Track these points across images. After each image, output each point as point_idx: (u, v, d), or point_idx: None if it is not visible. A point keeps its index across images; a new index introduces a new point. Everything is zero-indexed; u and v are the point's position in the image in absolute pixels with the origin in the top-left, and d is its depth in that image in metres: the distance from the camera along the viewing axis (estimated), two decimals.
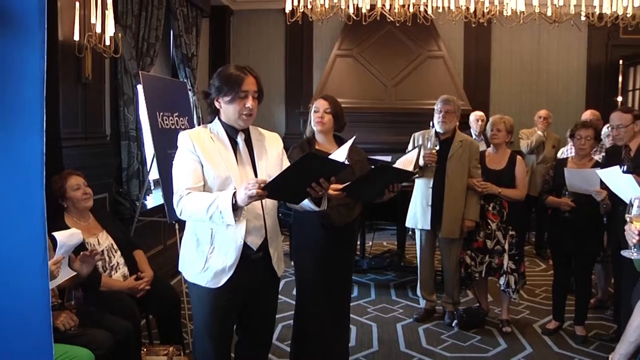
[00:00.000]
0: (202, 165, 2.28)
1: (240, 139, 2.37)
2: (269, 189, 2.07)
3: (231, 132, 2.37)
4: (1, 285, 1.30)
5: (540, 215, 6.04)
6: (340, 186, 2.60)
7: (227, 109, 2.33)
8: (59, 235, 2.46)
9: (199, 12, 7.09)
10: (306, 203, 2.30)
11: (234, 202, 2.09)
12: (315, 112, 3.10)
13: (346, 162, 2.23)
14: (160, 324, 3.48)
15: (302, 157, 2.09)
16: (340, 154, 2.33)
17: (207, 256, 2.31)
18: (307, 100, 8.00)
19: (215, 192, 2.23)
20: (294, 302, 3.28)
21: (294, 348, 3.25)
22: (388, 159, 5.06)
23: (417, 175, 4.05)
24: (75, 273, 2.62)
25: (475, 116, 6.12)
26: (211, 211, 2.13)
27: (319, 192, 2.19)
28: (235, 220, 2.12)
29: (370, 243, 6.17)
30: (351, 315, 4.31)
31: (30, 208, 1.30)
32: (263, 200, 2.30)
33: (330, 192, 2.40)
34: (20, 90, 1.30)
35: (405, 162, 3.11)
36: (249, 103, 2.29)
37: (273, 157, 2.47)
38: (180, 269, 2.50)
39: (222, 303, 2.37)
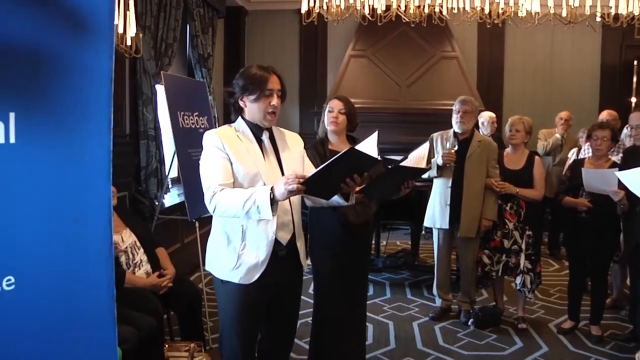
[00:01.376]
0: (231, 163, 2.31)
1: (265, 136, 2.41)
2: (308, 184, 2.11)
3: (256, 130, 2.41)
4: (71, 278, 1.35)
5: (554, 215, 6.05)
6: (358, 188, 2.66)
7: (252, 108, 2.36)
8: None
9: (214, 12, 7.16)
10: (335, 198, 2.34)
11: (271, 196, 2.11)
12: (329, 112, 3.12)
13: (379, 159, 2.26)
14: (181, 320, 3.52)
15: (344, 152, 2.13)
16: (371, 149, 2.35)
17: (239, 253, 2.33)
18: (321, 100, 8.05)
19: (250, 188, 2.25)
20: (311, 301, 3.32)
21: (312, 345, 3.28)
22: (399, 158, 5.10)
23: (435, 175, 4.09)
24: None
25: (489, 117, 6.01)
26: (248, 206, 2.14)
27: (351, 187, 2.26)
28: (272, 215, 2.15)
29: (385, 242, 6.20)
30: (367, 314, 4.35)
31: (99, 203, 1.35)
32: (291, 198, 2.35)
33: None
34: (91, 90, 1.35)
35: (417, 159, 3.16)
36: (274, 101, 2.34)
37: (295, 155, 2.52)
38: (208, 267, 2.50)
39: (252, 300, 2.38)
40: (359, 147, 2.35)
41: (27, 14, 1.26)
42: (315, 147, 3.12)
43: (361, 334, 3.34)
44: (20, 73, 1.26)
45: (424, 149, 3.16)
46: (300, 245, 2.49)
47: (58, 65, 1.30)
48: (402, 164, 3.14)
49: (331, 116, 3.11)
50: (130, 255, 3.33)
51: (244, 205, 2.16)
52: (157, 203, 4.89)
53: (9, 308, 1.24)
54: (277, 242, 2.36)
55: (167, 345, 3.24)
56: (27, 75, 1.27)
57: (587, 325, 4.07)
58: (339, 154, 2.14)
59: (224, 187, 2.26)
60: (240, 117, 2.44)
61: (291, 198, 2.34)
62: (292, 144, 2.55)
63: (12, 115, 1.26)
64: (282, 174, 2.40)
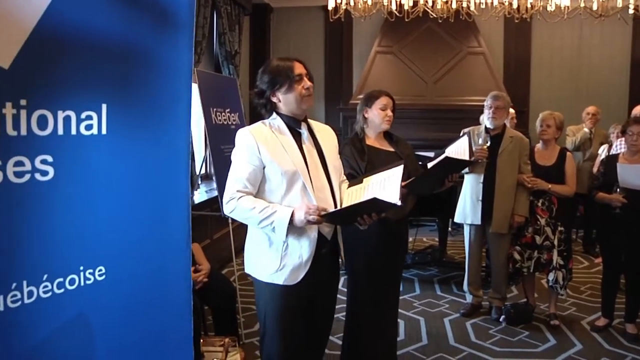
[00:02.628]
0: (266, 166, 2.26)
1: (304, 129, 2.36)
2: (327, 217, 2.20)
3: (293, 124, 2.35)
4: (156, 267, 1.39)
5: (589, 211, 5.98)
6: (402, 183, 2.66)
7: (287, 98, 2.30)
8: None
9: (241, 10, 7.21)
10: None
11: (290, 220, 2.17)
12: (382, 109, 3.03)
13: (399, 203, 2.23)
14: (215, 315, 3.56)
15: (368, 200, 2.20)
16: (393, 194, 2.28)
17: (282, 254, 2.28)
18: (347, 96, 8.05)
19: (273, 204, 2.24)
20: (344, 297, 3.32)
21: (345, 341, 3.28)
22: (431, 155, 5.08)
23: (467, 171, 4.08)
24: None
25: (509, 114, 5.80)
26: (264, 224, 2.20)
27: (367, 223, 2.30)
28: (285, 236, 2.20)
29: (412, 239, 6.20)
30: (398, 310, 4.38)
31: (180, 193, 1.39)
32: (335, 190, 2.37)
33: None
34: (174, 84, 1.39)
35: (459, 153, 3.14)
36: (307, 84, 2.30)
37: (333, 149, 2.49)
38: (248, 270, 2.43)
39: (295, 300, 2.34)
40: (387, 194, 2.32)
41: (117, 12, 1.30)
42: (353, 144, 3.07)
43: (393, 330, 3.33)
44: (111, 66, 1.31)
45: (464, 142, 3.11)
46: (341, 241, 2.46)
47: (145, 60, 1.34)
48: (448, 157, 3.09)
49: (386, 115, 3.03)
50: None
51: (261, 222, 2.20)
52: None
53: (101, 297, 1.28)
54: (320, 238, 2.32)
55: (202, 340, 3.27)
56: (118, 68, 1.31)
57: (622, 323, 4.02)
58: (363, 201, 2.24)
59: (243, 195, 2.24)
60: (275, 113, 2.37)
61: (335, 192, 2.37)
62: (329, 137, 2.51)
63: (104, 107, 1.30)
64: (326, 170, 2.38)
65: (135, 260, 1.35)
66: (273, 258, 2.30)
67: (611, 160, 4.03)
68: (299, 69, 2.30)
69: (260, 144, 2.25)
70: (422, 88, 7.73)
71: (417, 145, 6.38)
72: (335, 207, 2.37)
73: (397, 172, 2.34)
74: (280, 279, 2.29)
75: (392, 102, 3.09)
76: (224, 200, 2.29)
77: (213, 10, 6.23)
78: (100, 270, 1.28)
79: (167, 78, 1.38)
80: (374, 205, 2.21)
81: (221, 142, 4.02)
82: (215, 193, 4.42)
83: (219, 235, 5.74)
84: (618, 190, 3.84)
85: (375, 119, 3.06)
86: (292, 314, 2.37)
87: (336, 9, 5.62)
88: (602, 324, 4.06)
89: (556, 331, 4.03)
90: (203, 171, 5.51)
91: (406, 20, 5.65)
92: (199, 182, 5.82)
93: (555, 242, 4.03)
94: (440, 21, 5.90)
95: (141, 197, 1.36)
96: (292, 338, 2.42)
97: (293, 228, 2.23)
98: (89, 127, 1.30)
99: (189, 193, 1.42)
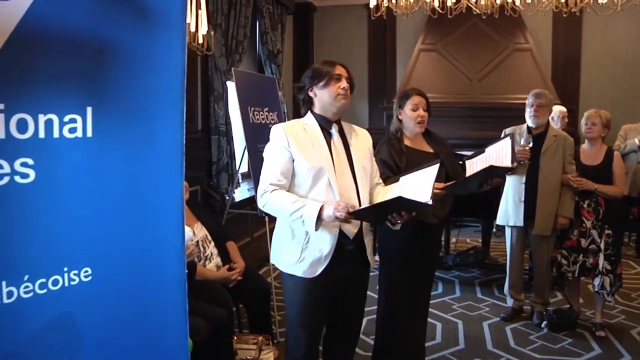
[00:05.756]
0: (294, 160, 2.34)
1: (334, 129, 2.43)
2: (356, 214, 2.22)
3: (325, 124, 2.43)
4: (145, 269, 1.40)
5: None
6: (442, 185, 2.62)
7: (322, 94, 2.39)
8: None
9: (283, 9, 7.23)
10: None
11: (319, 215, 2.21)
12: (414, 110, 2.95)
13: (430, 202, 2.23)
14: (250, 313, 3.58)
15: (393, 199, 2.21)
16: (425, 192, 2.27)
17: (302, 247, 2.35)
18: (391, 95, 7.96)
19: (303, 199, 2.30)
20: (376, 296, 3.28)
21: (377, 342, 3.24)
22: (471, 153, 4.95)
23: (509, 172, 3.95)
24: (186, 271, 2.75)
25: (559, 112, 5.26)
26: (294, 216, 2.26)
27: (397, 221, 2.31)
28: (315, 230, 2.24)
29: (455, 240, 6.08)
30: (436, 312, 4.32)
31: (172, 196, 1.39)
32: (360, 190, 2.39)
33: (435, 190, 2.39)
34: (165, 82, 1.40)
35: (499, 157, 3.03)
36: (344, 84, 2.37)
37: (364, 151, 2.52)
38: (272, 260, 2.53)
39: (317, 294, 2.40)
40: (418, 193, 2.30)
41: (100, 12, 1.30)
42: (391, 143, 3.00)
43: (422, 332, 3.26)
44: (97, 68, 1.31)
45: (506, 145, 2.97)
46: (368, 240, 2.48)
47: (131, 61, 1.34)
48: (488, 163, 2.99)
49: (418, 115, 2.94)
50: (201, 248, 3.42)
51: (292, 215, 2.26)
52: (227, 197, 4.99)
53: (87, 299, 1.30)
54: (344, 235, 2.37)
55: (235, 338, 3.30)
56: (103, 70, 1.32)
57: None
58: (389, 199, 2.27)
59: (276, 188, 2.32)
60: (309, 112, 2.47)
61: (361, 192, 2.39)
62: (362, 139, 2.55)
63: (89, 110, 1.31)
64: (352, 169, 2.41)
65: (125, 262, 1.35)
66: (294, 249, 2.38)
67: None
68: (340, 70, 2.41)
69: (291, 139, 2.35)
70: (467, 86, 7.57)
71: (461, 145, 6.29)
72: (360, 205, 2.38)
73: (432, 171, 2.34)
74: (299, 271, 2.37)
75: (426, 100, 3.00)
76: (258, 194, 2.39)
77: (255, 10, 6.26)
78: (86, 271, 1.29)
79: (156, 79, 1.38)
80: (401, 203, 2.22)
81: (258, 141, 4.04)
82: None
83: (259, 233, 5.78)
84: None
85: (409, 120, 2.99)
86: (314, 307, 2.44)
87: (378, 6, 5.57)
88: None
89: (602, 340, 3.86)
90: (245, 169, 5.54)
91: (449, 17, 5.53)
92: (240, 180, 5.87)
93: (602, 246, 3.86)
94: (484, 17, 5.75)
95: (130, 199, 1.37)
96: (313, 331, 2.49)
97: (320, 222, 2.27)
98: (72, 130, 1.31)
99: (182, 195, 1.41)
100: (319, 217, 2.21)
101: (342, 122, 2.50)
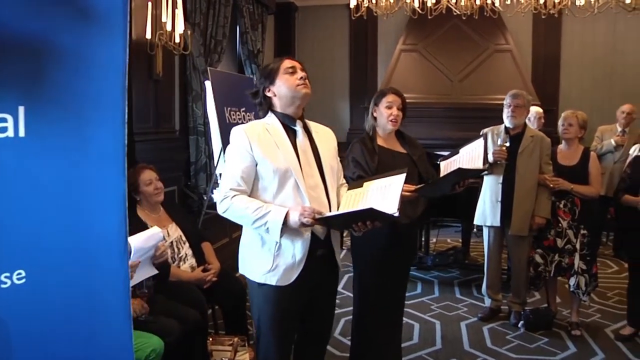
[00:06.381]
0: (258, 163, 2.23)
1: (299, 126, 2.32)
2: (322, 221, 2.18)
3: (288, 122, 2.32)
4: (84, 272, 1.36)
5: (618, 215, 5.76)
6: (412, 187, 2.60)
7: (281, 90, 2.29)
8: (133, 240, 2.47)
9: (264, 9, 7.19)
10: None
11: (284, 222, 2.13)
12: (388, 107, 2.94)
13: (396, 215, 2.18)
14: (225, 315, 3.55)
15: (365, 209, 2.18)
16: (392, 204, 2.23)
17: (274, 254, 2.24)
18: (372, 95, 7.92)
19: (268, 204, 2.20)
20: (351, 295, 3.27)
21: (353, 342, 3.22)
22: (447, 154, 4.96)
23: (485, 172, 3.96)
24: (157, 272, 2.71)
25: (535, 112, 5.14)
26: (257, 224, 2.16)
27: (361, 230, 2.24)
28: (279, 237, 2.16)
29: (435, 240, 6.09)
30: (414, 312, 4.31)
31: (112, 197, 1.36)
32: (329, 190, 2.32)
33: (404, 193, 2.36)
34: (104, 83, 1.36)
35: (472, 158, 3.04)
36: (300, 74, 2.29)
37: (331, 150, 2.44)
38: (241, 271, 2.40)
39: (289, 302, 2.31)
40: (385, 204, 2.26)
41: (37, 12, 1.27)
42: (364, 143, 2.98)
43: (399, 332, 3.24)
44: (28, 67, 1.28)
45: (479, 146, 2.97)
46: (336, 242, 2.42)
47: (67, 59, 1.31)
48: (459, 165, 2.98)
49: (391, 113, 2.92)
50: (176, 250, 3.37)
51: (255, 222, 2.17)
52: (205, 198, 4.94)
53: (21, 301, 1.25)
54: (315, 239, 2.28)
55: (211, 339, 3.27)
56: (35, 69, 1.29)
57: None
58: (358, 210, 2.23)
59: (237, 193, 2.21)
60: (270, 111, 2.36)
61: (330, 191, 2.33)
62: (328, 138, 2.47)
63: (21, 109, 1.27)
64: (320, 169, 2.33)
65: (63, 265, 1.31)
66: (266, 258, 2.27)
67: (638, 161, 3.86)
68: (291, 62, 2.33)
69: (253, 141, 2.24)
70: (448, 86, 7.59)
71: (442, 145, 6.28)
72: (329, 206, 2.33)
73: (399, 180, 2.29)
74: (273, 280, 2.26)
75: (401, 100, 2.98)
76: (218, 199, 2.26)
77: (234, 10, 6.22)
78: (19, 274, 1.25)
79: (94, 77, 1.34)
80: (371, 214, 2.18)
81: None
82: None
83: (238, 234, 5.70)
84: None
85: (382, 118, 2.98)
86: (287, 315, 2.35)
87: (358, 7, 5.56)
88: (628, 332, 3.89)
89: (577, 339, 3.88)
90: (222, 170, 5.50)
91: (430, 17, 5.54)
92: (218, 181, 5.82)
93: (578, 246, 3.88)
94: (464, 18, 5.77)
95: (67, 201, 1.33)
96: (286, 339, 2.40)
97: (286, 228, 2.18)
98: (3, 130, 1.27)
99: (125, 196, 1.38)
100: (285, 224, 2.13)
101: (305, 120, 2.40)
